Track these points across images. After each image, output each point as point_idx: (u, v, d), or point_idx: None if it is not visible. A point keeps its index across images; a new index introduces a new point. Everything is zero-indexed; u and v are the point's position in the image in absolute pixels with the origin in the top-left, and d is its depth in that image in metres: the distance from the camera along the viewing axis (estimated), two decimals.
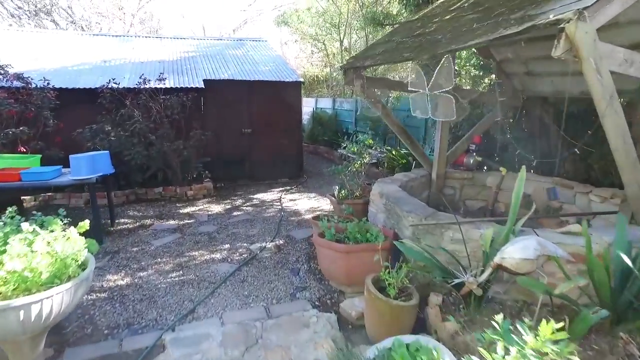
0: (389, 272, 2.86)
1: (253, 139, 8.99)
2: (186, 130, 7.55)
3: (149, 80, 7.30)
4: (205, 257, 4.66)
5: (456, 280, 2.69)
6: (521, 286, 2.60)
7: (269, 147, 9.17)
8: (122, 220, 6.09)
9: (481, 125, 5.66)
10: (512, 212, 2.94)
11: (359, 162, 5.97)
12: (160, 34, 11.89)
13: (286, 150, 9.31)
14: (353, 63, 4.70)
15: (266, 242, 5.15)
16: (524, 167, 3.15)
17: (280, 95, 9.00)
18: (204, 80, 8.26)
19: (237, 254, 4.77)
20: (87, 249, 2.73)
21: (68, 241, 2.57)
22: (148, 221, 6.08)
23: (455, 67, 6.77)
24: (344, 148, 6.07)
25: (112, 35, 11.14)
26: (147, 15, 22.42)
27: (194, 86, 7.92)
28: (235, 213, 6.57)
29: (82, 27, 19.35)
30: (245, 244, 5.11)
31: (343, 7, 14.14)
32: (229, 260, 4.59)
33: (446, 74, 3.23)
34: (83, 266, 2.74)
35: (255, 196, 7.81)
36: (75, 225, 2.72)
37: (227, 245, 5.06)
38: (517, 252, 2.41)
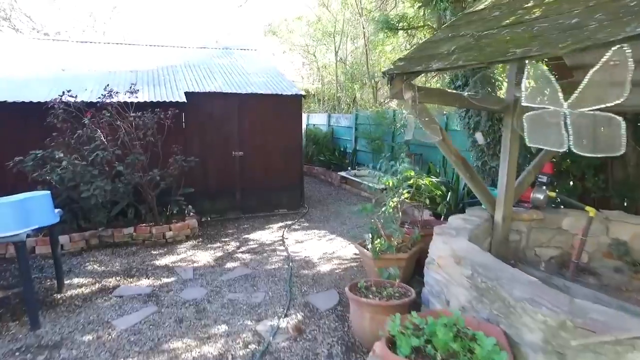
0: None
1: (245, 164, 7.52)
2: (164, 155, 6.02)
3: (117, 92, 5.78)
4: (194, 354, 3.13)
5: None
6: None
7: (264, 173, 7.71)
8: (76, 281, 4.47)
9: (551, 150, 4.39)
10: None
11: (395, 198, 4.58)
12: (133, 42, 10.35)
13: (284, 176, 7.86)
14: (405, 67, 3.34)
15: (279, 318, 3.66)
16: None
17: (277, 111, 7.60)
18: (185, 94, 6.79)
19: (240, 344, 3.26)
20: None
21: None
22: (112, 281, 4.49)
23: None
24: (379, 180, 4.65)
25: (76, 41, 9.53)
26: (119, 23, 20.74)
27: (173, 100, 6.44)
28: (229, 264, 5.04)
29: (45, 34, 17.55)
30: (249, 323, 3.60)
31: (339, 14, 12.98)
32: (230, 358, 3.08)
33: (615, 78, 1.93)
34: None
35: (250, 236, 6.30)
36: None
37: (223, 327, 3.53)
38: None
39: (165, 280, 4.53)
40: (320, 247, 5.76)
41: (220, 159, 7.34)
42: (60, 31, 20.60)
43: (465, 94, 3.87)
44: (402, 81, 3.42)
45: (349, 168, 10.91)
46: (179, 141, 6.58)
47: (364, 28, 11.86)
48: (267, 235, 6.35)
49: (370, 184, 9.04)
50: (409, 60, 3.43)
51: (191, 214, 6.46)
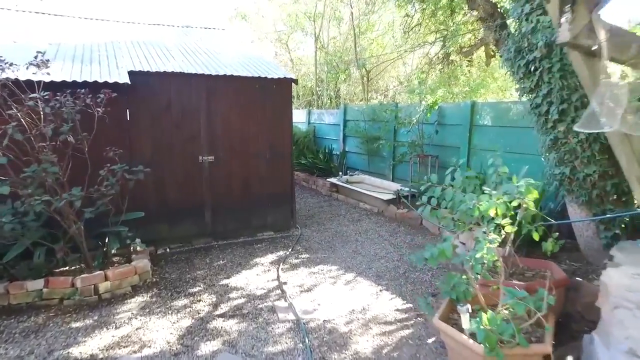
0: None
1: (217, 172, 5.49)
2: (94, 163, 3.92)
3: (11, 64, 3.61)
4: None
5: None
6: None
7: (244, 184, 5.71)
8: None
9: None
10: None
11: (493, 235, 2.74)
12: (60, 13, 7.92)
13: (270, 188, 5.90)
14: None
15: None
16: None
17: (260, 100, 5.63)
18: (130, 74, 4.68)
19: None
20: None
21: None
22: None
23: None
24: (482, 198, 2.71)
25: None
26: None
27: (110, 80, 4.33)
28: (203, 347, 3.03)
29: None
30: None
31: None
32: None
33: None
34: None
35: (231, 280, 4.30)
36: None
37: None
38: None
39: None
40: (341, 297, 3.87)
41: (182, 166, 5.27)
42: None
43: None
44: (590, 10, 1.63)
45: (340, 173, 9.09)
46: (120, 142, 4.49)
47: (352, 7, 10.08)
48: (254, 277, 4.37)
49: (374, 194, 7.27)
50: None
51: (140, 249, 4.37)
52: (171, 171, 5.21)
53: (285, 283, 4.19)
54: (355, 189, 7.90)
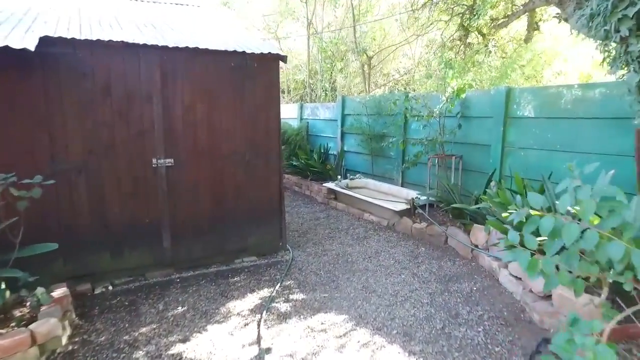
0: None
1: (179, 180, 4.06)
2: None
3: None
4: None
5: None
6: None
7: (215, 195, 4.29)
8: None
9: None
10: None
11: None
12: None
13: (252, 199, 4.48)
14: None
15: None
16: None
17: (237, 83, 4.22)
18: (43, 40, 3.21)
19: None
20: None
21: None
22: None
23: None
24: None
25: None
26: None
27: (14, 46, 2.87)
28: None
29: None
30: None
31: None
32: None
33: None
34: None
35: (187, 348, 2.87)
36: None
37: None
38: None
39: None
40: None
41: (128, 172, 3.83)
42: None
43: None
44: None
45: (338, 177, 7.71)
46: (35, 137, 3.05)
47: None
48: (224, 339, 2.95)
49: (384, 203, 5.90)
50: None
51: (49, 298, 2.91)
52: (113, 179, 3.77)
53: (269, 351, 2.79)
54: (358, 196, 6.52)
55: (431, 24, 8.33)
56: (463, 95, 5.39)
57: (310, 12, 10.40)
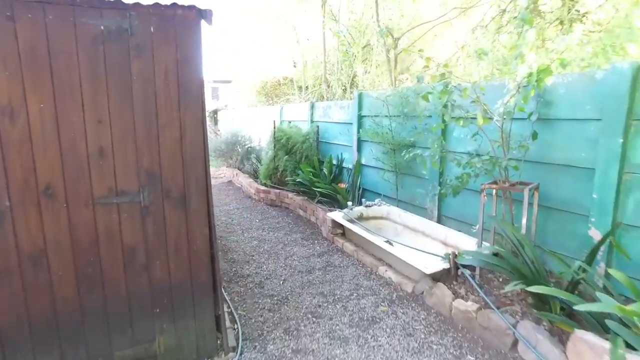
0: None
1: (5, 247, 2.16)
2: None
3: None
4: None
5: None
6: None
7: (82, 267, 2.35)
8: None
9: None
10: None
11: None
12: None
13: (158, 268, 2.51)
14: None
15: None
16: None
17: (118, 62, 2.25)
18: None
19: None
20: None
21: None
22: None
23: None
24: None
25: None
26: None
27: None
28: None
29: None
30: None
31: None
32: None
33: None
34: None
35: None
36: None
37: None
38: None
39: None
40: None
41: None
42: None
43: None
44: None
45: (349, 203, 5.61)
46: None
47: None
48: None
49: (408, 258, 3.76)
50: None
51: None
52: None
53: None
54: (373, 240, 4.37)
55: None
56: (548, 81, 3.11)
57: None
